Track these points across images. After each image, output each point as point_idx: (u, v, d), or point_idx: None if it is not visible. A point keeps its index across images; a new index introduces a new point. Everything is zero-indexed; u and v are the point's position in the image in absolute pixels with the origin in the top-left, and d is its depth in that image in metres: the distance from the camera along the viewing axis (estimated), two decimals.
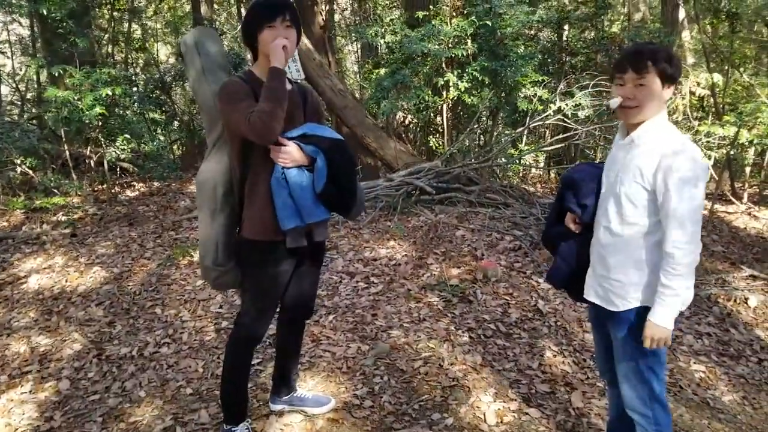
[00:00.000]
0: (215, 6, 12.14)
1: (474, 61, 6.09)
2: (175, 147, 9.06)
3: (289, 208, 2.06)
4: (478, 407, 2.72)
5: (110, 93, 5.53)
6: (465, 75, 6.01)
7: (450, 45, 6.10)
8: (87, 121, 5.49)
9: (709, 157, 6.04)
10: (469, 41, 6.20)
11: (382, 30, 6.81)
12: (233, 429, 2.39)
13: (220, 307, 3.81)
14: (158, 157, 6.70)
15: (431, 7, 6.75)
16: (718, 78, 7.20)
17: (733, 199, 6.54)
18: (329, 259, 4.48)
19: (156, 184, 7.07)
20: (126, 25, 9.49)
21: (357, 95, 8.62)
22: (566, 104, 5.87)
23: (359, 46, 10.73)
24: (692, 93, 7.35)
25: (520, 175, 7.87)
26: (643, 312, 1.85)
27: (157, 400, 2.85)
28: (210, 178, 2.17)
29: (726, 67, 7.65)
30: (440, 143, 7.18)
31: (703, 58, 8.14)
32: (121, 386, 3.00)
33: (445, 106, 6.62)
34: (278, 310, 2.45)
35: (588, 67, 7.10)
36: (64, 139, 6.17)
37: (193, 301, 3.89)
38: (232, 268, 2.23)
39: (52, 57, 6.91)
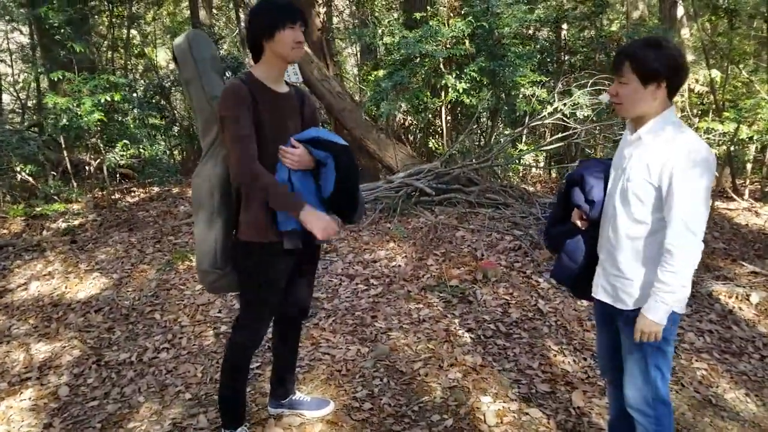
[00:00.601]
0: (214, 11, 12.17)
1: (472, 62, 6.08)
2: (175, 152, 9.08)
3: None
4: (478, 408, 2.71)
5: (109, 99, 5.53)
6: (463, 76, 6.00)
7: (448, 46, 6.09)
8: (86, 127, 5.50)
9: None
10: (467, 41, 6.19)
11: (380, 32, 6.81)
12: None
13: (219, 311, 3.81)
14: (158, 162, 6.71)
15: (428, 8, 6.74)
16: (717, 75, 7.17)
17: (735, 196, 6.52)
18: (329, 261, 4.47)
19: (156, 189, 7.08)
20: (125, 31, 9.52)
21: (357, 98, 8.61)
22: (565, 104, 5.85)
23: (358, 48, 10.74)
24: (692, 90, 7.34)
25: (520, 175, 7.85)
26: None
27: (156, 406, 2.85)
28: (206, 182, 2.16)
29: (725, 64, 7.63)
30: (440, 144, 7.17)
31: (702, 55, 8.12)
32: (120, 392, 3.00)
33: (444, 107, 6.61)
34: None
35: (587, 66, 7.07)
36: (64, 146, 6.18)
37: (192, 306, 3.88)
38: (229, 271, 2.23)
39: (51, 63, 6.92)
